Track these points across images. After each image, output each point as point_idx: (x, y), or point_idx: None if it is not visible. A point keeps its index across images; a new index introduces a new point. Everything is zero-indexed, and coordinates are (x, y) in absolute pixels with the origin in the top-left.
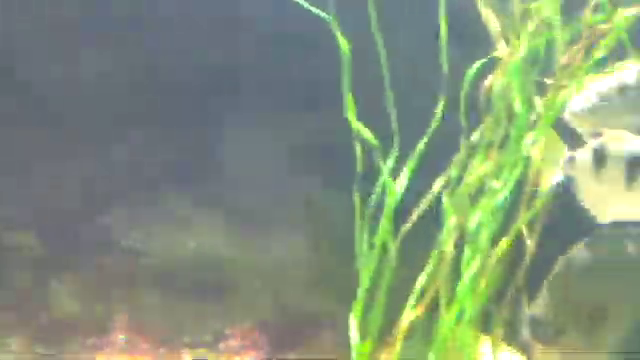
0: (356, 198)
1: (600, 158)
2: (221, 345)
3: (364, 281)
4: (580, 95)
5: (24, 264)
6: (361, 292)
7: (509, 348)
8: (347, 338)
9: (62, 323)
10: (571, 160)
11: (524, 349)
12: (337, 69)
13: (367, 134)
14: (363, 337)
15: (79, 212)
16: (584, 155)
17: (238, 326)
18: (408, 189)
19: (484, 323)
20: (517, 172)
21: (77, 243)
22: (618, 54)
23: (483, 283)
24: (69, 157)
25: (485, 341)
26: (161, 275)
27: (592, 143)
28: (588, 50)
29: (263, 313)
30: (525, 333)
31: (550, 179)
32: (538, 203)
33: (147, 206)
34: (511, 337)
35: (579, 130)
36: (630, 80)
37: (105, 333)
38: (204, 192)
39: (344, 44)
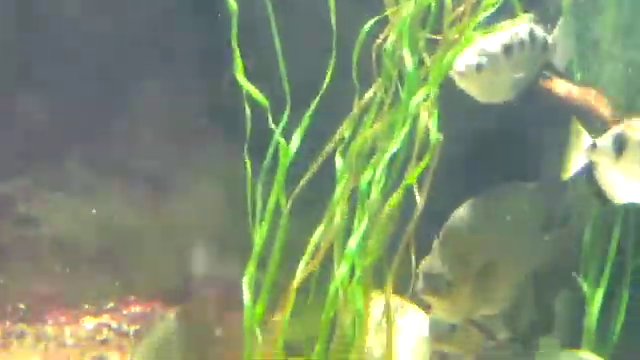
0: (247, 159)
1: (620, 144)
2: (124, 311)
3: (257, 242)
4: (466, 53)
5: None
6: (254, 253)
7: (403, 301)
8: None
9: None
10: (593, 146)
11: (419, 303)
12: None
13: (257, 94)
14: (256, 298)
15: None
16: (605, 142)
17: (140, 292)
18: (301, 150)
19: (377, 280)
20: (407, 130)
21: None
22: (505, 12)
23: (374, 240)
24: None
25: (377, 297)
26: (62, 243)
27: (613, 130)
28: (476, 8)
29: (165, 279)
30: (419, 286)
31: (574, 165)
32: (427, 159)
33: (48, 174)
34: (405, 292)
35: (464, 89)
36: (516, 39)
37: (5, 302)
38: (106, 159)
39: (232, 4)
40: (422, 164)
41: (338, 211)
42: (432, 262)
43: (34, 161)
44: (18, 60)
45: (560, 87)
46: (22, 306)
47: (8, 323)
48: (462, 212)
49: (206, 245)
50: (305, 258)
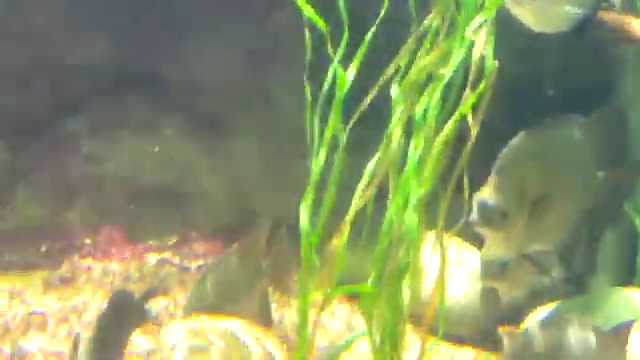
0: (307, 88)
1: None
2: (186, 248)
3: (315, 171)
4: None
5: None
6: (312, 182)
7: (454, 237)
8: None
9: (29, 229)
10: None
11: (471, 238)
12: None
13: (319, 21)
14: (313, 227)
15: (44, 117)
16: None
17: (202, 229)
18: (358, 79)
19: (430, 210)
20: (463, 57)
21: (42, 148)
22: None
23: (429, 169)
24: (35, 64)
25: (431, 230)
26: (126, 181)
27: None
28: None
29: (226, 217)
30: (473, 218)
31: None
32: (482, 87)
33: (111, 112)
34: (457, 226)
35: (518, 16)
36: None
37: (71, 238)
38: (166, 97)
39: None
40: (477, 91)
41: (394, 139)
42: (487, 193)
43: (98, 99)
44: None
45: (619, 19)
46: (88, 241)
47: (76, 258)
48: (518, 142)
49: (266, 181)
50: (361, 187)
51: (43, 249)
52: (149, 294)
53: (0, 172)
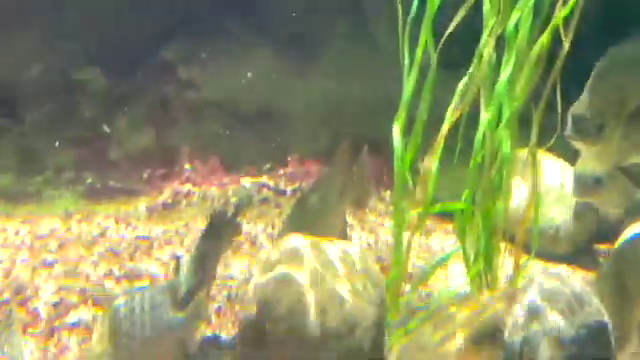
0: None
1: None
2: (280, 171)
3: (407, 90)
4: None
5: (92, 99)
6: (404, 101)
7: (548, 153)
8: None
9: (130, 157)
10: None
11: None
12: None
13: None
14: (406, 145)
15: (143, 46)
16: None
17: (296, 153)
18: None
19: (523, 126)
20: None
21: (140, 76)
22: None
23: (521, 83)
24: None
25: (523, 146)
26: (222, 106)
27: None
28: None
29: (320, 139)
30: (568, 131)
31: None
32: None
33: (206, 39)
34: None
35: None
36: None
37: (171, 164)
38: (260, 22)
39: None
40: (569, 4)
41: (485, 54)
42: (582, 105)
43: (193, 27)
44: None
45: None
46: (188, 167)
47: (176, 183)
48: (617, 51)
49: (356, 105)
50: (454, 101)
51: (145, 176)
52: (239, 208)
53: (100, 102)
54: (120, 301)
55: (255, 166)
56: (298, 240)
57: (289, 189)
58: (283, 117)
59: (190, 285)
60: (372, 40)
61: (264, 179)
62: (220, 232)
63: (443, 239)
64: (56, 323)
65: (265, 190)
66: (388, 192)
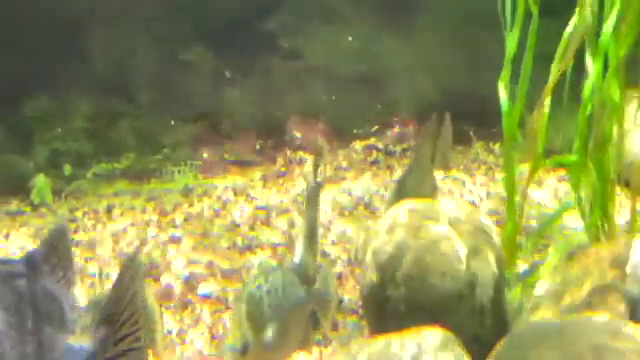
0: None
1: None
2: (388, 133)
3: (510, 46)
4: None
5: (201, 76)
6: (507, 58)
7: None
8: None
9: (242, 128)
10: None
11: None
12: None
13: None
14: (512, 102)
15: (244, 20)
16: None
17: (401, 114)
18: None
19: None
20: None
21: (244, 50)
22: None
23: (626, 31)
24: None
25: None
26: (326, 73)
27: None
28: None
29: (423, 99)
30: None
31: None
32: None
33: (305, 8)
34: None
35: None
36: None
37: (281, 133)
38: None
39: None
40: None
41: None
42: None
43: None
44: None
45: None
46: (297, 135)
47: (288, 152)
48: None
49: (459, 62)
50: (558, 54)
51: (257, 147)
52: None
53: (209, 77)
54: (253, 285)
55: (363, 129)
56: (412, 205)
57: (398, 150)
58: (385, 79)
59: (309, 259)
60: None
61: (373, 141)
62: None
63: (554, 188)
64: (188, 296)
65: (375, 152)
66: (497, 145)
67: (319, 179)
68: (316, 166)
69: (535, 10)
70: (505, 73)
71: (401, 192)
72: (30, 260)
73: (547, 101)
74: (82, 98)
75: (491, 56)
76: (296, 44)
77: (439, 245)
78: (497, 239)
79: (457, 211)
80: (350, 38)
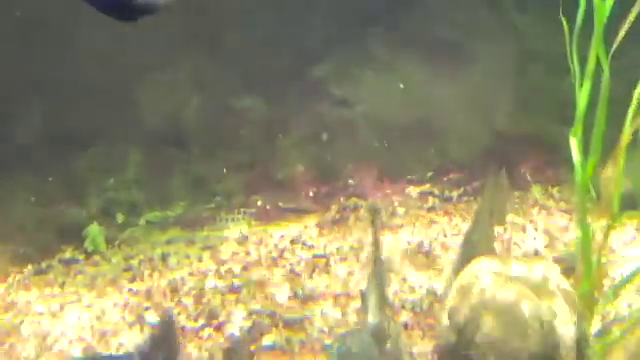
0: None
1: None
2: (444, 178)
3: (582, 101)
4: None
5: (253, 124)
6: (579, 114)
7: None
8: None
9: (295, 175)
10: None
11: None
12: None
13: None
14: (585, 155)
15: (292, 69)
16: None
17: (455, 161)
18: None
19: None
20: None
21: (295, 98)
22: None
23: None
24: (275, 20)
25: None
26: (377, 120)
27: None
28: None
29: (477, 143)
30: None
31: None
32: None
33: (353, 55)
34: None
35: None
36: None
37: (334, 180)
38: (404, 32)
39: None
40: None
41: None
42: None
43: (339, 45)
44: None
45: None
46: (351, 182)
47: (342, 198)
48: None
49: (513, 105)
50: (629, 115)
51: (311, 194)
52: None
53: (261, 125)
54: (334, 347)
55: (417, 175)
56: (486, 264)
57: (454, 195)
58: (438, 124)
59: (382, 319)
60: (519, 38)
61: (428, 187)
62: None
63: (622, 234)
64: (252, 347)
65: (431, 198)
66: (555, 188)
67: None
68: (376, 226)
69: (606, 67)
70: (577, 128)
71: (468, 250)
72: (139, 355)
73: (620, 160)
74: (134, 147)
75: (545, 98)
76: (346, 91)
77: (518, 306)
78: (574, 297)
79: (532, 270)
80: (401, 84)
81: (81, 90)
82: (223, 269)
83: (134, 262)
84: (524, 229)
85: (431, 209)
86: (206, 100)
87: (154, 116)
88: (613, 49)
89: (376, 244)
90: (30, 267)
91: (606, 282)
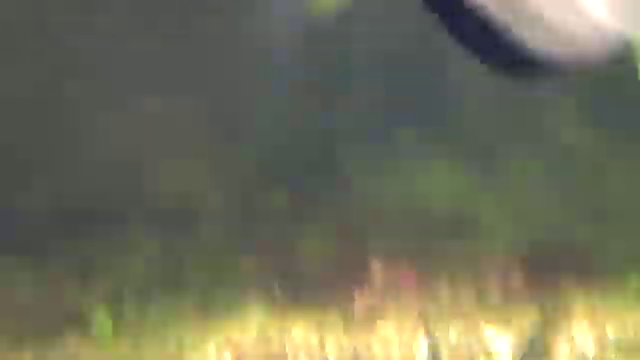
0: None
1: None
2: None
3: None
4: None
5: (274, 213)
6: None
7: None
8: None
9: (320, 266)
10: None
11: None
12: None
13: None
14: None
15: (317, 163)
16: None
17: (496, 262)
18: None
19: None
20: None
21: (320, 192)
22: None
23: None
24: (303, 109)
25: None
26: (407, 213)
27: None
28: None
29: (516, 249)
30: None
31: None
32: None
33: (379, 148)
34: None
35: None
36: None
37: (361, 276)
38: (434, 128)
39: None
40: None
41: None
42: None
43: (368, 136)
44: None
45: None
46: (380, 278)
47: (370, 296)
48: None
49: (556, 211)
50: None
51: (335, 290)
52: None
53: (282, 216)
54: None
55: (451, 274)
56: None
57: None
58: (473, 224)
59: None
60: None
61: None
62: None
63: None
64: None
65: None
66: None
67: None
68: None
69: None
70: None
71: None
72: None
73: None
74: (147, 232)
75: (591, 201)
76: (374, 185)
77: None
78: None
79: None
80: (430, 178)
81: (97, 175)
82: None
83: (145, 352)
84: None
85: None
86: (228, 192)
87: (168, 202)
88: None
89: None
90: (31, 352)
91: None
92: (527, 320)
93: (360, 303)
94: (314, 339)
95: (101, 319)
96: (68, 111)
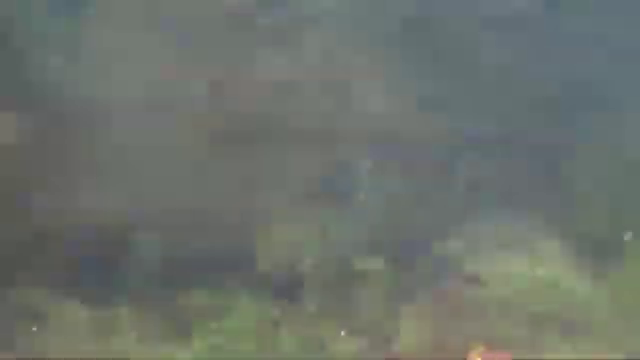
0: None
1: None
2: None
3: None
4: None
5: (374, 288)
6: None
7: None
8: None
9: (413, 348)
10: None
11: None
12: None
13: None
14: None
15: (418, 242)
16: None
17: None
18: None
19: None
20: None
21: (422, 268)
22: None
23: None
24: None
25: None
26: (511, 304)
27: None
28: None
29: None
30: None
31: None
32: None
33: (484, 231)
34: None
35: None
36: None
37: None
38: (546, 215)
39: None
40: None
41: None
42: None
43: (467, 220)
44: None
45: None
46: None
47: None
48: None
49: None
50: None
51: None
52: None
53: (382, 292)
54: None
55: None
56: None
57: None
58: (580, 322)
59: None
60: None
61: None
62: None
63: None
64: None
65: None
66: None
67: None
68: None
69: None
70: None
71: None
72: None
73: None
74: (244, 295)
75: None
76: (478, 269)
77: None
78: None
79: None
80: (541, 270)
81: (195, 233)
82: None
83: None
84: None
85: None
86: (329, 256)
87: (268, 265)
88: None
89: None
90: None
91: None
92: None
93: None
94: None
95: None
96: None
